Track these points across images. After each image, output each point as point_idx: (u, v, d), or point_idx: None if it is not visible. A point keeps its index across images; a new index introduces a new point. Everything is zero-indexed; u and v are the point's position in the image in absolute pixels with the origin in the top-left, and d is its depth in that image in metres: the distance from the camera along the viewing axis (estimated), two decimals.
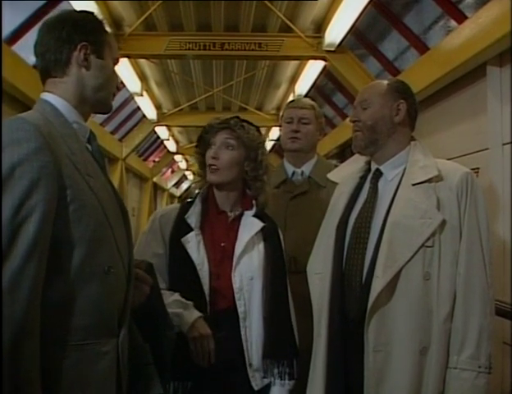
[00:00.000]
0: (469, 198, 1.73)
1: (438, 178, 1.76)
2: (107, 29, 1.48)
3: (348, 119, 7.58)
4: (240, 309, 1.82)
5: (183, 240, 1.82)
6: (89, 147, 1.41)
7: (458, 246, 1.72)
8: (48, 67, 1.39)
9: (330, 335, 1.79)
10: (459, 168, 1.81)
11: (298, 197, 2.42)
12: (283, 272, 1.95)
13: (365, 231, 1.80)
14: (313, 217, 2.34)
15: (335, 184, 2.32)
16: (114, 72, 1.48)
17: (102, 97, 1.44)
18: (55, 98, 1.38)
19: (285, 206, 2.36)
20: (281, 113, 2.62)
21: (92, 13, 1.47)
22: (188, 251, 1.81)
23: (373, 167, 1.91)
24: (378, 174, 1.87)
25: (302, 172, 2.48)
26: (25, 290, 1.11)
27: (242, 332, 1.81)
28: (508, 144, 3.40)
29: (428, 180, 1.76)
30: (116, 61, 1.49)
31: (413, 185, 1.76)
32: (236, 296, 1.82)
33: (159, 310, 1.57)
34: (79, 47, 1.39)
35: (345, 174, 2.00)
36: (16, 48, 4.79)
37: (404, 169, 1.82)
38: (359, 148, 1.89)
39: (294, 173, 2.49)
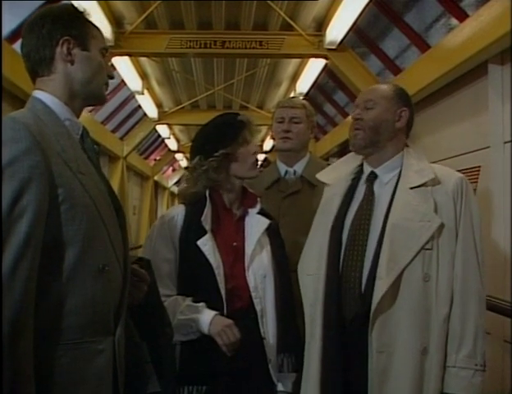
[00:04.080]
0: (464, 202, 1.78)
1: (435, 182, 1.80)
2: (91, 20, 1.44)
3: (349, 117, 7.58)
4: (258, 307, 1.84)
5: (199, 243, 1.81)
6: (83, 144, 1.39)
7: (454, 248, 1.76)
8: (35, 67, 1.38)
9: (325, 338, 1.80)
10: (453, 173, 1.86)
11: (290, 196, 2.42)
12: (287, 268, 1.97)
13: (364, 233, 1.81)
14: (305, 216, 2.33)
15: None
16: (102, 62, 1.44)
17: (92, 89, 1.42)
18: (46, 95, 1.36)
19: (277, 205, 2.36)
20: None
21: (72, 6, 1.43)
22: (205, 254, 1.80)
23: (366, 169, 1.93)
24: (373, 177, 1.90)
25: (294, 172, 2.48)
26: (16, 291, 1.10)
27: (261, 330, 1.83)
28: (509, 142, 3.39)
29: (425, 184, 1.80)
30: (104, 51, 1.45)
31: (411, 188, 1.80)
32: (253, 295, 1.84)
33: (156, 308, 1.56)
34: (61, 42, 1.36)
35: (336, 175, 2.01)
36: (16, 46, 4.78)
37: (399, 173, 1.86)
38: (358, 147, 1.90)
39: (286, 172, 2.49)
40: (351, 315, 1.77)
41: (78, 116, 1.42)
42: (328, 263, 1.83)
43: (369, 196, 1.87)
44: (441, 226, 1.74)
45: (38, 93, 1.37)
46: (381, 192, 1.86)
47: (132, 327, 1.46)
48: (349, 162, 2.00)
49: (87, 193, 1.28)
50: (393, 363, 1.70)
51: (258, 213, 1.94)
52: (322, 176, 2.06)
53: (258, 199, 1.97)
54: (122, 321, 1.36)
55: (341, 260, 1.82)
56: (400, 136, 1.90)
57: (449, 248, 1.75)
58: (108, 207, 1.37)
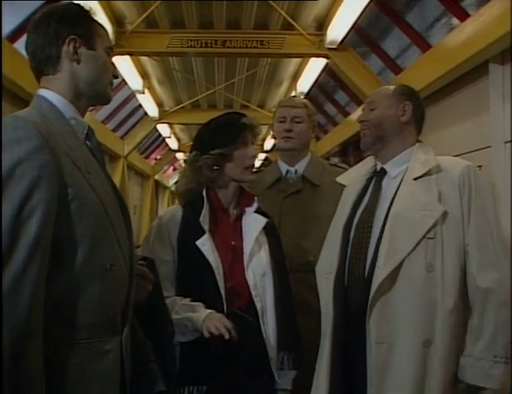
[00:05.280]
0: (472, 190, 1.75)
1: (437, 169, 1.80)
2: (96, 19, 1.43)
3: (350, 116, 7.62)
4: (258, 306, 1.84)
5: (198, 243, 1.81)
6: (88, 143, 1.39)
7: (461, 238, 1.73)
8: (40, 65, 1.36)
9: (334, 330, 1.82)
10: (460, 162, 1.85)
11: (291, 196, 2.42)
12: (285, 265, 1.98)
13: (368, 226, 1.83)
14: (306, 215, 2.34)
15: (328, 183, 2.36)
16: (108, 62, 1.44)
17: (98, 88, 1.41)
18: (51, 94, 1.35)
19: (278, 205, 2.36)
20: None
21: (78, 5, 1.42)
22: (205, 254, 1.80)
23: (378, 167, 1.95)
24: (382, 173, 1.92)
25: (296, 171, 2.48)
26: (27, 293, 1.10)
27: (262, 328, 1.83)
28: (510, 142, 3.40)
29: (428, 174, 1.80)
30: (109, 51, 1.45)
31: (415, 179, 1.81)
32: (253, 293, 1.84)
33: (160, 307, 1.57)
34: (67, 41, 1.35)
35: (353, 177, 2.04)
36: (17, 45, 4.78)
37: (408, 167, 1.86)
38: (367, 144, 1.93)
39: (288, 172, 2.49)
40: (355, 307, 1.79)
41: (83, 116, 1.41)
42: (339, 260, 1.86)
43: (376, 191, 1.90)
44: (445, 214, 1.73)
45: (43, 92, 1.36)
46: (388, 186, 1.88)
47: (137, 326, 1.46)
48: (366, 165, 2.04)
49: (94, 192, 1.28)
50: (394, 354, 1.69)
51: (255, 211, 1.94)
52: (341, 178, 2.09)
53: (255, 197, 1.97)
54: (129, 320, 1.36)
55: (348, 256, 1.85)
56: (408, 130, 1.92)
57: (455, 237, 1.73)
58: (114, 206, 1.36)
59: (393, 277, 1.71)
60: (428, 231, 1.72)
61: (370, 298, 1.70)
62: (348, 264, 1.84)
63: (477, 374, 1.67)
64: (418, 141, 1.95)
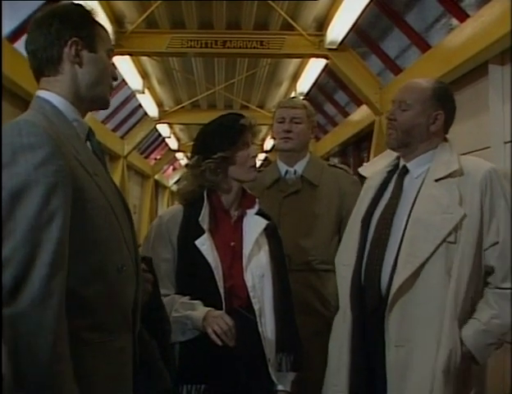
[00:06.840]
0: (494, 195, 1.74)
1: (459, 173, 1.78)
2: (98, 20, 1.41)
3: (350, 117, 7.62)
4: (256, 307, 1.84)
5: (197, 242, 1.82)
6: (89, 144, 1.38)
7: (480, 244, 1.73)
8: (41, 66, 1.34)
9: (353, 324, 1.84)
10: (484, 165, 1.82)
11: (290, 196, 2.43)
12: (286, 267, 1.98)
13: (386, 227, 1.83)
14: (305, 215, 2.36)
15: (327, 183, 2.37)
16: (109, 64, 1.42)
17: (98, 92, 1.39)
18: (52, 95, 1.33)
19: (278, 205, 2.38)
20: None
21: (80, 5, 1.39)
22: (204, 254, 1.81)
23: (402, 163, 1.93)
24: (405, 171, 1.90)
25: (295, 171, 2.49)
26: (55, 297, 1.09)
27: (260, 329, 1.83)
28: (509, 142, 3.40)
29: (451, 176, 1.77)
30: (110, 53, 1.43)
31: (436, 180, 1.78)
32: (251, 295, 1.84)
33: (158, 306, 1.58)
34: (69, 43, 1.33)
35: (376, 169, 2.03)
36: (17, 45, 4.79)
37: (430, 167, 1.84)
38: (392, 146, 1.92)
39: (287, 172, 2.50)
40: (373, 307, 1.80)
41: (83, 118, 1.40)
42: (357, 257, 1.87)
43: (397, 191, 1.88)
44: (465, 218, 1.71)
45: (43, 94, 1.34)
46: (410, 186, 1.86)
47: (141, 325, 1.48)
48: (388, 157, 2.02)
49: (103, 194, 1.28)
50: (413, 358, 1.70)
51: (257, 213, 1.95)
52: (363, 170, 2.09)
53: (257, 200, 1.97)
54: (139, 318, 1.37)
55: (366, 254, 1.86)
56: (435, 137, 1.88)
57: (473, 242, 1.72)
58: (120, 207, 1.37)
59: (412, 280, 1.70)
60: (448, 235, 1.71)
61: (389, 300, 1.71)
62: (366, 262, 1.85)
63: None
64: (445, 139, 1.91)
